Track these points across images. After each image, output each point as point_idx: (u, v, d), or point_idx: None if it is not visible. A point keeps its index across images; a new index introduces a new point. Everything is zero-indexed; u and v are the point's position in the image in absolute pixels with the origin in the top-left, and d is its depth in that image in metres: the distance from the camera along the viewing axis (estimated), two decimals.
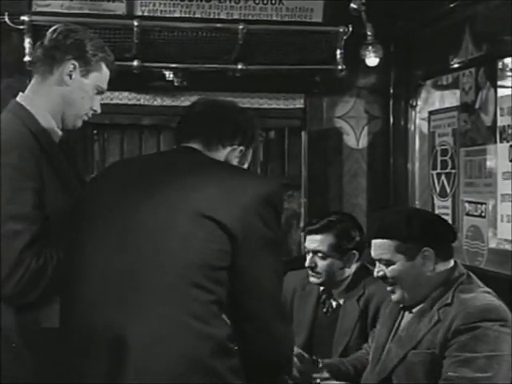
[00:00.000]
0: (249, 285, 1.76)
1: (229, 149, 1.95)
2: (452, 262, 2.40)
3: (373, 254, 2.43)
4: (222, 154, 1.94)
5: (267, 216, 1.77)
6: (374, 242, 2.42)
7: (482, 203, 3.48)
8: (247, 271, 1.75)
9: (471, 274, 2.41)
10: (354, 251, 3.07)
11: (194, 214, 1.71)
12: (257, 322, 1.79)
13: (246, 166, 2.03)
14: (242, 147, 1.97)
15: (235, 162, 1.97)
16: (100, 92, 2.21)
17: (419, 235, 2.37)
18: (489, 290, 2.34)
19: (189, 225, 1.71)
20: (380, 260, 2.40)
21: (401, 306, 2.46)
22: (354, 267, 3.08)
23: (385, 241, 2.38)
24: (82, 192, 2.03)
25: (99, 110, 2.23)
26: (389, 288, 2.42)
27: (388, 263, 2.38)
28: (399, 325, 2.45)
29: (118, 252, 1.75)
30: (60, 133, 2.17)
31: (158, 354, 1.66)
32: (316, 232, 3.07)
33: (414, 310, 2.39)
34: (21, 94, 2.17)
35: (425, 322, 2.32)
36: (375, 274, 2.44)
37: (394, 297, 2.42)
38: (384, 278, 2.40)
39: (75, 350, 1.76)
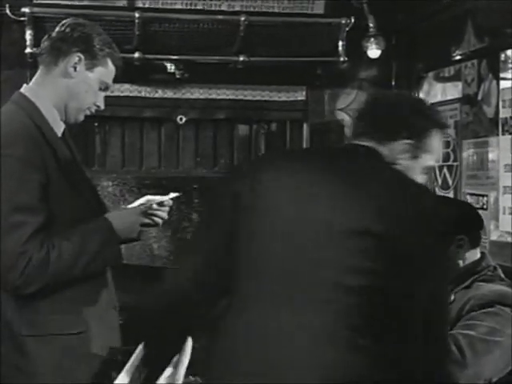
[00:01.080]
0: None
1: (396, 143, 1.81)
2: (479, 253, 2.40)
3: None
4: (388, 150, 1.81)
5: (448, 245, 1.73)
6: None
7: (483, 195, 3.48)
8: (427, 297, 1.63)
9: (498, 267, 2.41)
10: None
11: (376, 230, 1.58)
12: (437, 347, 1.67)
13: (431, 160, 1.87)
14: (410, 140, 1.83)
15: (407, 156, 1.83)
16: (105, 88, 2.20)
17: (456, 224, 2.33)
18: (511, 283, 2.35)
19: (367, 238, 1.59)
20: None
21: None
22: None
23: None
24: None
25: (103, 107, 2.23)
26: None
27: None
28: None
29: (285, 253, 1.64)
30: (63, 125, 2.17)
31: (315, 364, 1.58)
32: None
33: None
34: (25, 85, 2.18)
35: None
36: None
37: None
38: None
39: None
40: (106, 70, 2.18)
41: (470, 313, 2.22)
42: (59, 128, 2.15)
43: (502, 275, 2.39)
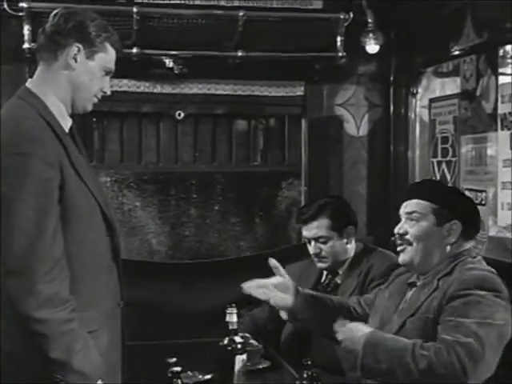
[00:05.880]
0: None
1: None
2: (470, 245, 2.43)
3: (403, 210, 2.44)
4: None
5: None
6: (409, 201, 2.44)
7: (482, 191, 3.48)
8: None
9: (480, 256, 2.43)
10: (351, 226, 3.19)
11: None
12: None
13: None
14: None
15: None
16: (108, 73, 2.18)
17: (457, 206, 2.41)
18: (493, 270, 2.35)
19: None
20: (410, 214, 2.41)
21: (408, 281, 2.48)
22: (353, 242, 3.18)
23: (421, 201, 2.41)
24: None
25: (109, 92, 2.21)
26: (399, 248, 2.43)
27: (417, 219, 2.39)
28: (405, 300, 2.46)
29: None
30: (70, 121, 2.15)
31: None
32: (310, 220, 3.15)
33: (418, 284, 2.42)
34: (30, 79, 2.14)
35: (424, 291, 2.35)
36: (396, 230, 2.44)
37: (403, 256, 2.43)
38: (403, 234, 2.41)
39: None
40: (107, 55, 2.15)
41: (450, 301, 2.23)
42: (66, 124, 2.13)
43: (484, 262, 2.41)
